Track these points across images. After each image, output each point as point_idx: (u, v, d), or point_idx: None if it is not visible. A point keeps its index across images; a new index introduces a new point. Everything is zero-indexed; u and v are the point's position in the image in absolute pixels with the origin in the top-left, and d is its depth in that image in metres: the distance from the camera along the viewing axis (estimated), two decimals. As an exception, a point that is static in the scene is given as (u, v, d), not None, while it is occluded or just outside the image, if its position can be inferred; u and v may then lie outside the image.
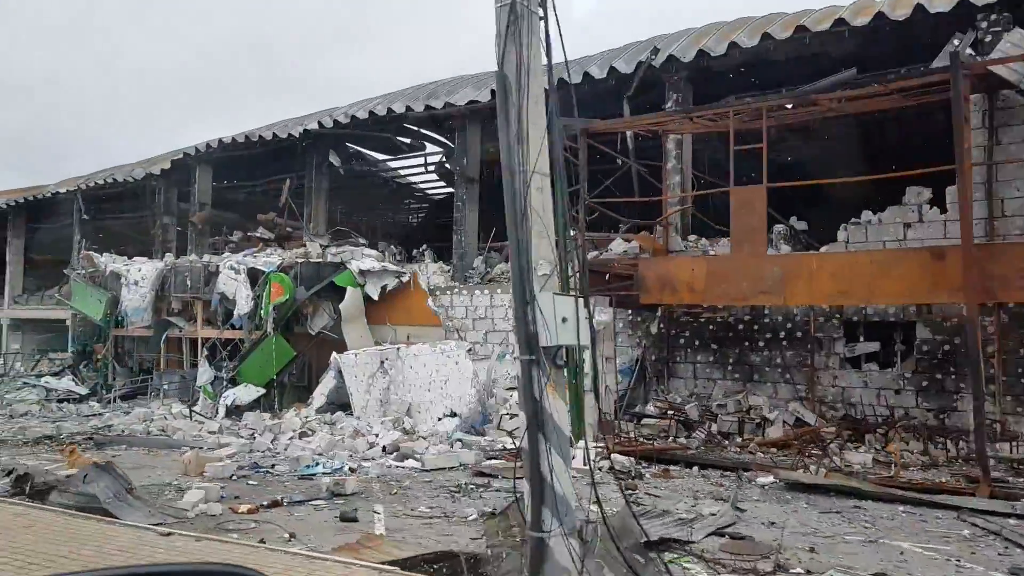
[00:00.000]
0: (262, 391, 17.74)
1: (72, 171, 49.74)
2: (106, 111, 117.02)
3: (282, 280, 17.65)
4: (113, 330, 21.54)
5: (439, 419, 14.11)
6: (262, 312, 18.04)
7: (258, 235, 23.23)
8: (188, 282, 20.06)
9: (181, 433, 14.71)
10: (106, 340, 22.55)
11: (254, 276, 18.60)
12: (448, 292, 17.65)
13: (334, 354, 16.25)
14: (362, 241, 19.56)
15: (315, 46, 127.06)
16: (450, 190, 22.51)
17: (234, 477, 10.15)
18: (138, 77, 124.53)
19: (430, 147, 22.64)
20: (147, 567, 1.80)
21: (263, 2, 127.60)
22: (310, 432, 14.10)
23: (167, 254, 22.92)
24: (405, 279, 17.96)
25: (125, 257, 22.37)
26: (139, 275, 20.72)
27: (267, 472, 10.67)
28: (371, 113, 19.92)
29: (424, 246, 21.12)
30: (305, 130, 21.43)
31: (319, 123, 20.69)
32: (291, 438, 13.61)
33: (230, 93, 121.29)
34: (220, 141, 23.47)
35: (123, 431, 14.99)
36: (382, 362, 15.32)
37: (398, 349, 15.23)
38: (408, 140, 22.38)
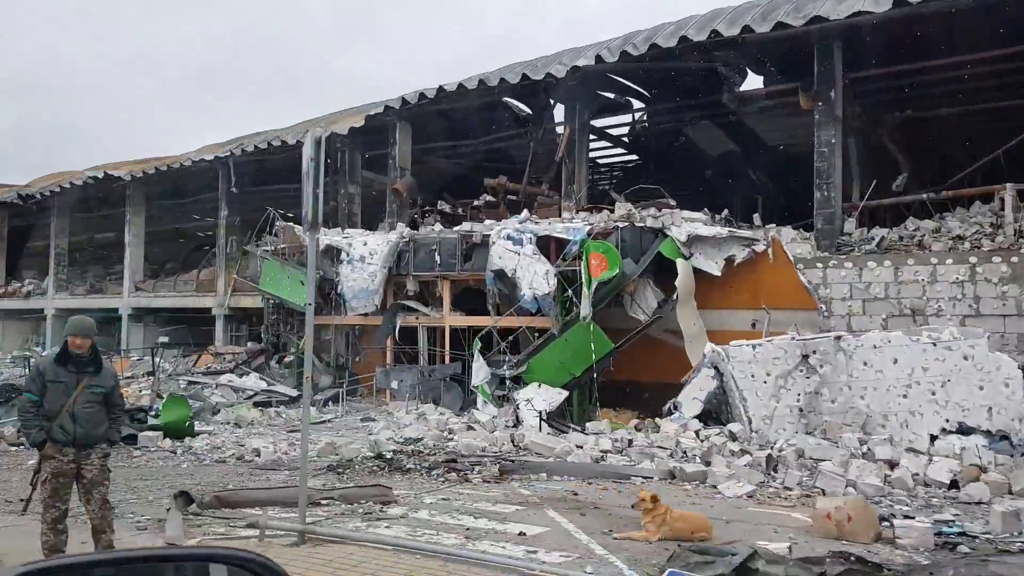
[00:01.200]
0: (564, 393, 13.74)
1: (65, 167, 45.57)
2: (102, 106, 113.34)
3: (608, 251, 13.61)
4: (320, 317, 17.48)
5: (935, 435, 10.12)
6: (570, 293, 14.02)
7: (479, 203, 19.21)
8: (437, 257, 15.99)
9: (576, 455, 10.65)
10: (293, 330, 18.56)
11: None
12: (819, 265, 13.61)
13: (711, 346, 12.23)
14: (672, 203, 15.47)
15: (322, 42, 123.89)
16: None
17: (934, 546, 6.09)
18: (138, 71, 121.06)
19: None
20: (156, 550, 1.99)
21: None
22: (721, 453, 10.16)
23: (399, 224, 18.69)
24: (759, 248, 13.92)
25: (338, 229, 18.30)
26: (365, 250, 16.66)
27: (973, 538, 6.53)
28: (653, 46, 15.85)
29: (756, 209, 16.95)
30: (549, 75, 17.36)
31: (597, 57, 16.45)
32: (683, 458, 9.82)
33: (236, 89, 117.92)
34: (422, 95, 19.34)
35: (524, 454, 10.84)
36: (805, 356, 11.30)
37: (837, 339, 11.18)
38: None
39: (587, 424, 12.93)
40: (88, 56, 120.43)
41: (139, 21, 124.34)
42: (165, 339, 23.43)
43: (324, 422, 14.91)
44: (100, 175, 26.31)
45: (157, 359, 19.56)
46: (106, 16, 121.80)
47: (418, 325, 16.45)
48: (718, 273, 13.95)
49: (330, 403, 16.60)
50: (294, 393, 16.75)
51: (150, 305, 26.12)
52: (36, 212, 32.38)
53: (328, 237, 17.14)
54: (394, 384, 16.55)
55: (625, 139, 22.63)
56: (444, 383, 15.65)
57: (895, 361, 10.60)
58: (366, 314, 16.94)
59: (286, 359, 18.72)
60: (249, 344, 21.06)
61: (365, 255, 16.61)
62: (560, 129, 18.89)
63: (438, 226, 17.56)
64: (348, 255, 16.72)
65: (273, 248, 18.69)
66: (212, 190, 24.42)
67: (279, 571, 1.69)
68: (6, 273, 33.00)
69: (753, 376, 11.63)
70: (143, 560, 1.80)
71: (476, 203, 19.02)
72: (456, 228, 16.66)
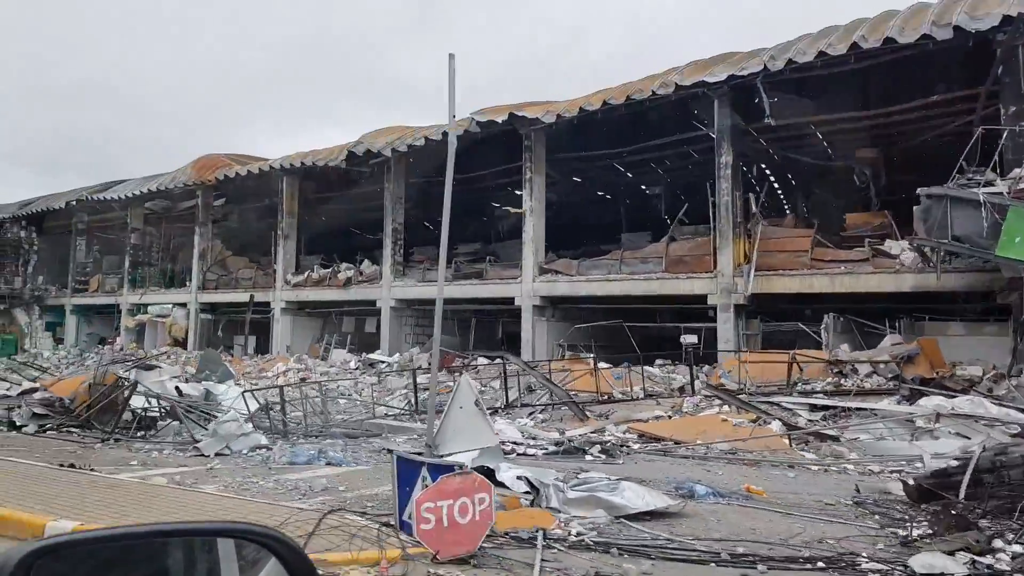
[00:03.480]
0: None
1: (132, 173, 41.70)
2: (167, 111, 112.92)
3: None
4: None
5: None
6: None
7: None
8: None
9: None
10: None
11: None
12: None
13: None
14: None
15: (382, 43, 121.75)
16: None
17: None
18: (201, 77, 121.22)
19: None
20: (164, 525, 1.79)
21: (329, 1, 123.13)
22: None
23: None
24: None
25: None
26: None
27: None
28: None
29: None
30: None
31: None
32: None
33: (310, 92, 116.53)
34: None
35: None
36: None
37: None
38: None
39: None
40: (162, 63, 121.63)
41: (215, 30, 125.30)
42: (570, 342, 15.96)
43: None
44: (483, 118, 19.64)
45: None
46: (179, 22, 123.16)
47: None
48: None
49: None
50: None
51: (553, 293, 19.05)
52: (332, 182, 26.47)
53: None
54: None
55: None
56: None
57: None
58: None
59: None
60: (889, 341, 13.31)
61: None
62: None
63: None
64: None
65: (1010, 187, 11.05)
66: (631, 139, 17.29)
67: (292, 545, 1.58)
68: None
69: None
70: (153, 535, 1.70)
71: None
72: None
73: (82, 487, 7.61)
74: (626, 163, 22.19)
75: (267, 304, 26.32)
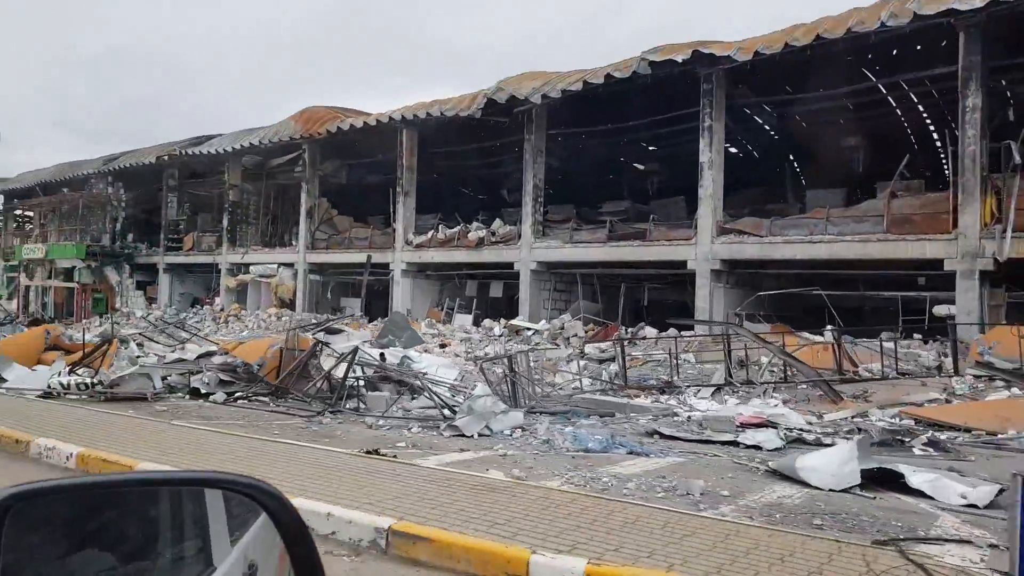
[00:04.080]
0: None
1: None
2: (204, 79, 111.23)
3: None
4: None
5: None
6: None
7: None
8: None
9: None
10: None
11: None
12: None
13: None
14: None
15: (418, 8, 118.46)
16: None
17: None
18: (239, 43, 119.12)
19: None
20: (152, 474, 1.98)
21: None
22: None
23: None
24: None
25: None
26: None
27: None
28: None
29: None
30: None
31: None
32: None
33: (336, 59, 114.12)
34: None
35: None
36: None
37: None
38: None
39: None
40: (187, 32, 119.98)
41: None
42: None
43: None
44: (657, 57, 17.60)
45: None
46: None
47: None
48: None
49: None
50: None
51: (738, 256, 17.19)
52: (450, 136, 24.74)
53: None
54: None
55: None
56: None
57: None
58: None
59: None
60: None
61: None
62: None
63: None
64: None
65: None
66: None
67: (277, 495, 1.49)
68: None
69: None
70: (137, 483, 1.68)
71: None
72: None
73: (422, 483, 6.08)
74: (812, 111, 19.99)
75: (385, 266, 24.86)
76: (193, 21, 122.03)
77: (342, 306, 28.10)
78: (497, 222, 22.60)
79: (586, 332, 18.41)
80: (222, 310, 30.04)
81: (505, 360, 10.97)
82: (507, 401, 10.61)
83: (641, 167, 23.74)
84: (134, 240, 34.89)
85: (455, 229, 23.21)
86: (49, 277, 37.27)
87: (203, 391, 11.99)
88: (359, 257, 26.00)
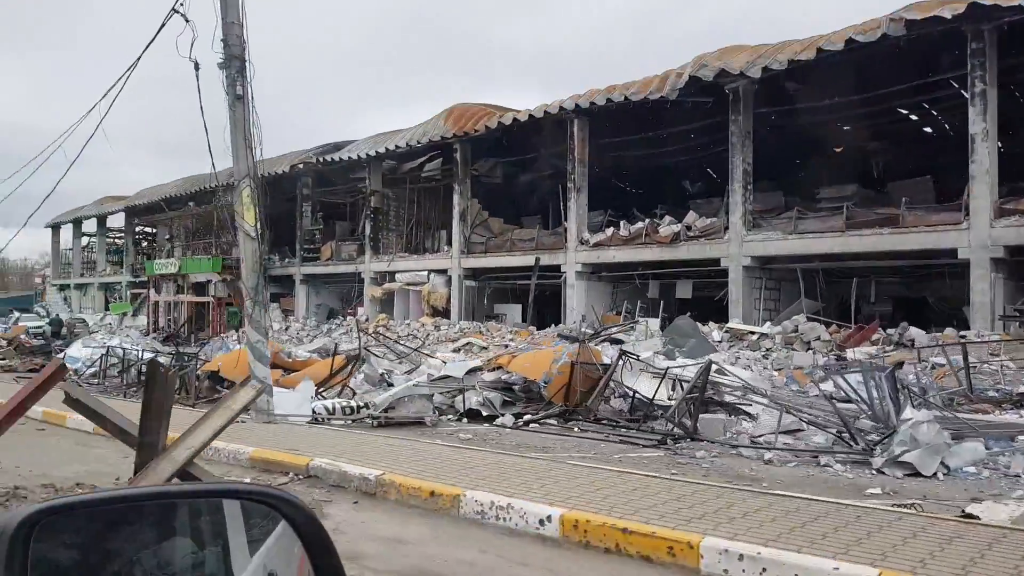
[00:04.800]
0: None
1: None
2: (270, 89, 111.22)
3: None
4: None
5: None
6: None
7: None
8: None
9: None
10: None
11: None
12: None
13: None
14: None
15: (481, 13, 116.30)
16: None
17: None
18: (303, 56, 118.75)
19: None
20: (173, 487, 1.96)
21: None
22: None
23: None
24: None
25: None
26: None
27: None
28: None
29: None
30: None
31: None
32: None
33: (398, 69, 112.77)
34: None
35: None
36: None
37: None
38: None
39: None
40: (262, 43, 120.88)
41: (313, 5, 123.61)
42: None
43: None
44: (915, 15, 15.26)
45: None
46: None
47: None
48: None
49: None
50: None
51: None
52: (620, 124, 22.83)
53: None
54: None
55: None
56: None
57: None
58: None
59: None
60: None
61: None
62: None
63: None
64: None
65: None
66: None
67: (298, 504, 1.49)
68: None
69: None
70: (157, 497, 1.69)
71: None
72: None
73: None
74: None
75: (554, 268, 23.11)
76: (260, 30, 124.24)
77: (497, 313, 26.51)
78: (691, 215, 20.54)
79: (831, 335, 16.16)
80: (366, 320, 28.85)
81: (880, 372, 8.89)
82: (885, 421, 8.57)
83: (866, 146, 21.31)
84: (267, 252, 34.12)
85: (640, 224, 21.24)
86: (179, 292, 36.98)
87: (485, 413, 10.33)
88: (520, 261, 24.33)
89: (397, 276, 28.09)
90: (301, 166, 31.18)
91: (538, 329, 22.60)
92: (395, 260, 28.32)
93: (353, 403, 10.64)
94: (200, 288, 35.56)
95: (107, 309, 46.55)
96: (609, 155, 24.16)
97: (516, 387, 10.60)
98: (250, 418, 9.81)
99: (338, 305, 32.81)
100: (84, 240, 52.53)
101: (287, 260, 33.35)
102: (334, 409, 10.47)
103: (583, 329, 14.94)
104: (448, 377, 11.07)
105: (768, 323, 17.65)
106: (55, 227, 52.34)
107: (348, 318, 29.81)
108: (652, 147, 23.63)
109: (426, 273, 26.89)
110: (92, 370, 19.62)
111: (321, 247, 31.75)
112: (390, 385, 11.93)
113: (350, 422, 10.40)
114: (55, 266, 54.89)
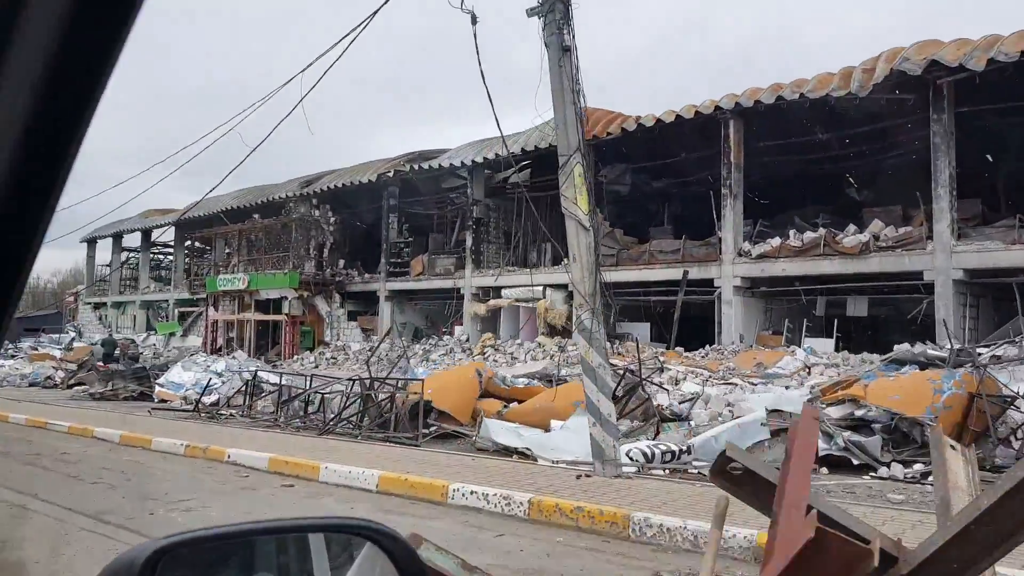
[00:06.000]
0: None
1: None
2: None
3: None
4: None
5: None
6: None
7: None
8: None
9: None
10: None
11: None
12: None
13: None
14: None
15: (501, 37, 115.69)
16: None
17: None
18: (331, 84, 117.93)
19: None
20: (286, 522, 1.71)
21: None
22: None
23: None
24: None
25: None
26: None
27: None
28: None
29: None
30: None
31: None
32: None
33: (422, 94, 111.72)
34: None
35: None
36: None
37: None
38: None
39: None
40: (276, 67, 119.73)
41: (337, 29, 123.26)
42: None
43: None
44: None
45: None
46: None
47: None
48: None
49: None
50: None
51: None
52: (774, 127, 20.81)
53: None
54: None
55: None
56: None
57: None
58: None
59: None
60: None
61: None
62: None
63: None
64: None
65: None
66: None
67: (394, 535, 1.52)
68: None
69: None
70: (268, 532, 1.70)
71: None
72: None
73: None
74: None
75: (704, 283, 21.00)
76: (281, 54, 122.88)
77: (620, 333, 24.33)
78: (876, 223, 18.42)
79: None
80: (467, 340, 26.63)
81: None
82: None
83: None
84: (345, 266, 31.96)
85: (812, 234, 19.13)
86: (243, 309, 34.69)
87: (856, 463, 8.13)
88: (658, 274, 22.20)
89: (503, 292, 25.94)
90: (391, 174, 29.11)
91: (686, 351, 20.47)
92: (502, 275, 26.16)
93: (673, 447, 8.44)
94: (263, 306, 33.31)
95: (150, 329, 44.23)
96: (755, 160, 22.14)
97: (876, 424, 8.44)
98: (591, 469, 7.60)
99: (423, 324, 30.60)
100: (123, 255, 50.35)
101: (366, 275, 31.16)
102: (652, 455, 8.27)
103: (945, 350, 12.06)
104: (779, 412, 8.89)
105: (1005, 345, 15.47)
106: (91, 241, 50.08)
107: (444, 337, 27.62)
108: (807, 152, 21.59)
109: (541, 288, 24.74)
110: (211, 399, 17.40)
111: (411, 261, 29.58)
112: (683, 421, 9.73)
113: (668, 472, 8.19)
114: (89, 283, 52.59)
